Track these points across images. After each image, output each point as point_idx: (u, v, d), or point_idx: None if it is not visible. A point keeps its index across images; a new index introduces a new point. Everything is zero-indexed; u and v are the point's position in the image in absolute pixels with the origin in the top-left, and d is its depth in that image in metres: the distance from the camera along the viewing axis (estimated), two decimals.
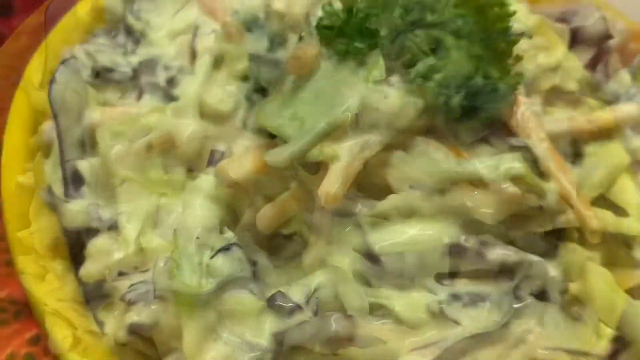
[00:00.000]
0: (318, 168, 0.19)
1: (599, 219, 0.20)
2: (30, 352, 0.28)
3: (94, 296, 0.22)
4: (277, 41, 0.28)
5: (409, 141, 0.21)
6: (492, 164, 0.19)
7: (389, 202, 0.20)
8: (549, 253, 0.21)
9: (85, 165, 0.22)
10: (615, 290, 0.18)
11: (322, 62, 0.22)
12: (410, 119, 0.20)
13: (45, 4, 0.26)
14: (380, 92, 0.20)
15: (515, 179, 0.19)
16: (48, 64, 0.24)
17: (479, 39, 0.21)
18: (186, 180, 0.22)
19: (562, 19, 0.28)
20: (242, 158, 0.20)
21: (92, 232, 0.23)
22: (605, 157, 0.25)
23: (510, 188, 0.19)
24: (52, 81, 0.21)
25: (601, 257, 0.22)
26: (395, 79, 0.20)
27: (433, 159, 0.20)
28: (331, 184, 0.18)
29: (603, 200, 0.24)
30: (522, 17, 0.27)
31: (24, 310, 0.30)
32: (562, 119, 0.25)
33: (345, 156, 0.19)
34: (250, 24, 0.29)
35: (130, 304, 0.20)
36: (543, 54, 0.24)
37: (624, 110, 0.26)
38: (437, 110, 0.20)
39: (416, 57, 0.20)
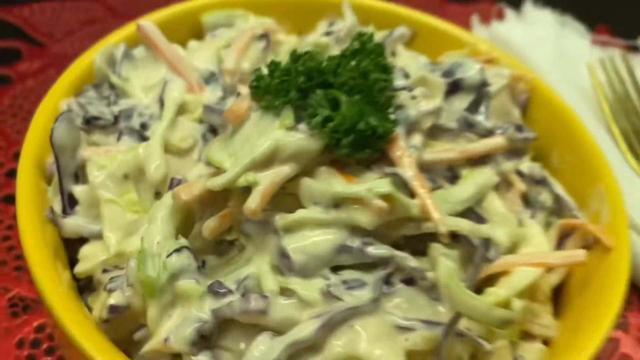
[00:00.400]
0: (247, 191, 0.27)
1: (452, 225, 0.28)
2: (37, 338, 0.35)
3: (85, 288, 0.29)
4: (229, 91, 0.35)
5: (314, 170, 0.29)
6: (368, 187, 0.26)
7: (298, 215, 0.26)
8: (424, 250, 0.28)
9: (78, 190, 0.29)
10: (452, 278, 0.25)
11: (252, 113, 0.29)
12: (313, 155, 0.27)
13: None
14: (290, 136, 0.27)
15: (385, 197, 0.27)
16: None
17: (364, 96, 0.28)
18: (153, 201, 0.30)
19: (449, 71, 0.36)
20: (192, 184, 0.27)
21: (83, 240, 0.30)
22: (476, 178, 0.33)
23: (380, 203, 0.26)
24: (53, 129, 0.28)
25: (459, 255, 0.29)
26: (302, 126, 0.27)
27: (330, 183, 0.27)
28: (252, 202, 0.25)
29: (472, 212, 0.32)
30: (411, 71, 0.35)
31: (31, 305, 0.37)
32: (439, 150, 0.32)
33: (263, 182, 0.26)
34: (208, 79, 0.36)
35: (110, 291, 0.27)
36: (424, 101, 0.32)
37: (493, 142, 0.33)
38: (333, 148, 0.28)
39: (316, 110, 0.27)
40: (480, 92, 0.33)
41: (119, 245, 0.28)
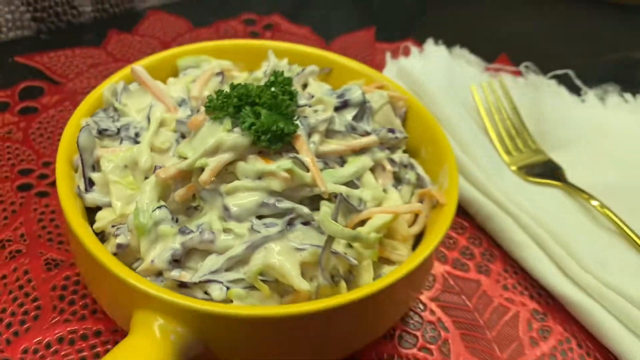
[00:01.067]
0: (202, 170, 0.42)
1: (332, 188, 0.43)
2: (65, 284, 0.50)
3: (100, 239, 0.45)
4: (194, 111, 0.51)
5: (246, 157, 0.44)
6: (277, 165, 0.41)
7: (235, 184, 0.41)
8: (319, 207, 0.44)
9: (95, 176, 0.45)
10: (326, 216, 0.41)
11: (206, 123, 0.45)
12: (244, 147, 0.43)
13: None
14: (229, 136, 0.42)
15: (288, 171, 0.42)
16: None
17: (276, 110, 0.44)
18: (143, 181, 0.45)
19: (342, 94, 0.52)
20: (168, 168, 0.43)
21: (99, 208, 0.46)
22: (356, 163, 0.48)
23: (284, 175, 0.41)
24: (78, 137, 0.44)
25: (340, 208, 0.44)
26: (237, 129, 0.43)
27: (254, 164, 0.43)
28: (204, 176, 0.40)
29: (352, 183, 0.47)
30: (315, 94, 0.51)
31: (59, 263, 0.52)
32: (332, 145, 0.48)
33: (211, 164, 0.42)
34: (180, 103, 0.52)
35: (116, 236, 0.42)
36: (320, 114, 0.48)
37: (368, 139, 0.49)
38: (257, 143, 0.43)
39: (245, 119, 0.43)
40: (362, 107, 0.50)
41: (122, 209, 0.43)
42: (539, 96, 0.68)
